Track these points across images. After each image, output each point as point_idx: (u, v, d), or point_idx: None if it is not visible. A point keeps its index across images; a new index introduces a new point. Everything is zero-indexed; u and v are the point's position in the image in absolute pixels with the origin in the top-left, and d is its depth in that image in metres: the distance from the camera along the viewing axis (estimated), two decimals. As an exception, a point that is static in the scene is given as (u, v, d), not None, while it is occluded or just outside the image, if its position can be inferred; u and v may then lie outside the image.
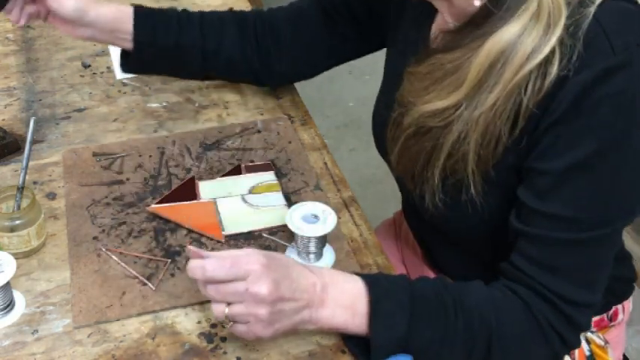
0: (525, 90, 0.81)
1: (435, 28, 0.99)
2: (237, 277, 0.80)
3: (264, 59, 1.20)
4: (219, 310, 0.81)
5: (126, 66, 1.20)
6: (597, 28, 0.79)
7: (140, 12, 1.14)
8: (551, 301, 0.85)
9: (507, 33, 0.80)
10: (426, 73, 0.89)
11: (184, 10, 1.20)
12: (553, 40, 0.79)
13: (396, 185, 1.10)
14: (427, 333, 0.84)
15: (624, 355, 1.18)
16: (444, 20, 0.95)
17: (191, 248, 0.82)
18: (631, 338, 1.81)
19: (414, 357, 0.83)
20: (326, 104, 1.32)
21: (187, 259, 0.98)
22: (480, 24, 0.84)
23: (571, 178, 0.82)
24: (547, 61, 0.79)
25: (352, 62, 1.27)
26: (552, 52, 0.79)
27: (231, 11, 1.24)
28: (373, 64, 1.43)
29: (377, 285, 0.85)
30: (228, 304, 0.81)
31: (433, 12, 0.98)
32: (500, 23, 0.81)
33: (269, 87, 1.29)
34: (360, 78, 1.23)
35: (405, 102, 0.92)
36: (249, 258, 0.81)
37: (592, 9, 0.79)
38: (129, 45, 1.14)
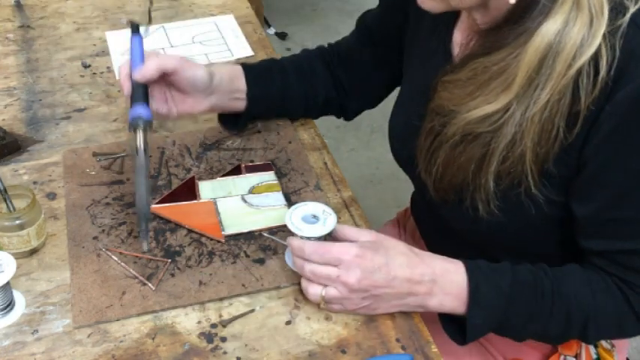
0: (581, 85, 0.80)
1: (459, 35, 0.97)
2: (329, 263, 0.87)
3: (343, 98, 1.22)
4: (316, 291, 0.89)
5: (234, 125, 1.17)
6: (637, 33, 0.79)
7: (247, 67, 1.13)
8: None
9: (552, 25, 0.78)
10: (468, 79, 0.87)
11: (275, 60, 1.20)
12: (600, 32, 0.77)
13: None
14: (521, 319, 0.89)
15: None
16: (471, 25, 0.93)
17: (290, 239, 0.91)
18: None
19: (509, 335, 0.93)
20: (326, 104, 1.33)
21: (187, 259, 0.99)
22: (518, 21, 0.81)
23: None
24: (597, 55, 0.78)
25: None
26: (600, 46, 0.78)
27: (310, 53, 1.23)
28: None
29: (477, 271, 0.89)
30: (324, 286, 0.88)
31: (452, 20, 0.98)
32: (541, 17, 0.79)
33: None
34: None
35: (446, 111, 0.90)
36: (343, 248, 0.87)
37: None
38: (241, 104, 1.13)
